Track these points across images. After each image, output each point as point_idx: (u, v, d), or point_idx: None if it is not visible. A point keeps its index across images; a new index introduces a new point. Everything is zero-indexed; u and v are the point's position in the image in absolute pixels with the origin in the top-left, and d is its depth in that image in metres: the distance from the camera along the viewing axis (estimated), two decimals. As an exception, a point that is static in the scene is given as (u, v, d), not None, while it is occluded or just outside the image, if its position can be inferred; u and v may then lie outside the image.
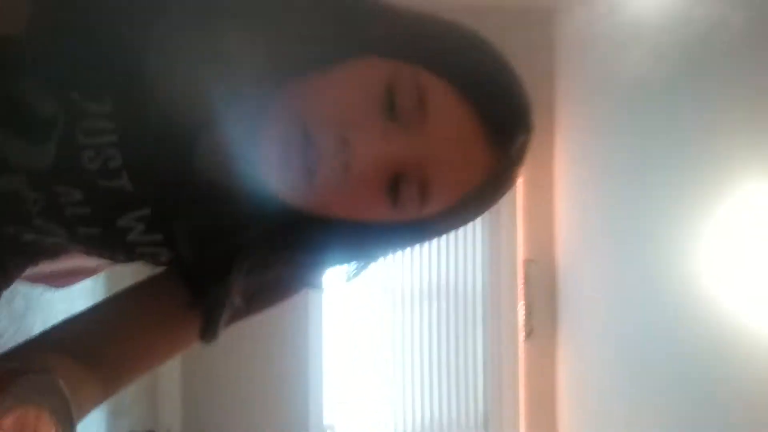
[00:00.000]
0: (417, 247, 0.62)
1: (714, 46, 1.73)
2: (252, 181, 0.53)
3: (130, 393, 2.36)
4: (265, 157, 0.51)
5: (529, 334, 2.85)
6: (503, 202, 0.58)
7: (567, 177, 2.76)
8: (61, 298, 1.54)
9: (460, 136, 0.51)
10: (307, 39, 0.51)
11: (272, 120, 0.51)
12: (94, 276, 0.97)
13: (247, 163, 0.53)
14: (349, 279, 0.61)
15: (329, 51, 0.51)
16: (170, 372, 2.82)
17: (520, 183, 2.57)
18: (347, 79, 0.50)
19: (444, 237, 0.62)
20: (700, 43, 1.79)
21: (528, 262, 2.84)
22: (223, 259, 0.57)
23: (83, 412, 0.53)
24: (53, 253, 0.67)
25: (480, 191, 0.54)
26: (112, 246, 0.59)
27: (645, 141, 2.11)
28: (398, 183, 0.51)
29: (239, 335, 0.77)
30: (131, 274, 0.64)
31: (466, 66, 0.52)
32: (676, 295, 1.90)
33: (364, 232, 0.57)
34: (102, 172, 0.52)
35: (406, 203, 0.52)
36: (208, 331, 0.59)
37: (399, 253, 0.63)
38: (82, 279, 0.88)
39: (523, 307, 2.86)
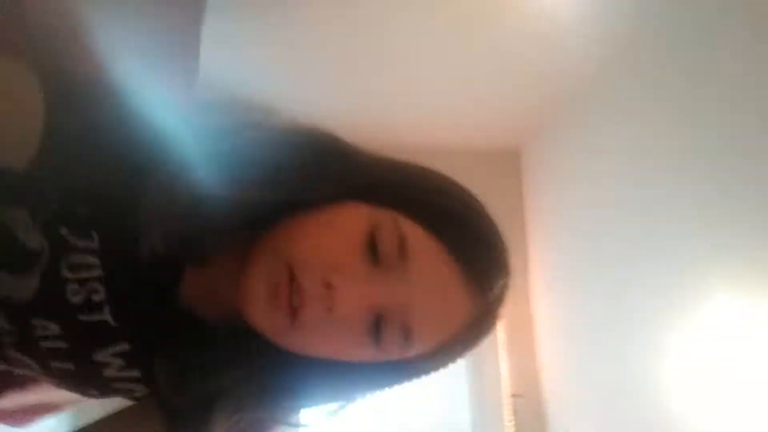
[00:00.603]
0: (400, 386, 0.61)
1: (680, 160, 1.83)
2: (234, 318, 0.53)
3: None
4: (250, 296, 0.51)
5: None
6: (486, 340, 0.58)
7: (545, 307, 2.77)
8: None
9: (439, 282, 0.52)
10: (293, 183, 0.53)
11: (259, 258, 0.52)
12: (59, 413, 0.92)
13: (230, 301, 0.53)
14: (330, 417, 0.60)
15: (314, 196, 0.53)
16: None
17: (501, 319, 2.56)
18: (331, 224, 0.52)
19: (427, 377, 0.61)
20: (665, 166, 1.89)
21: (515, 397, 2.76)
22: (204, 400, 0.56)
23: None
24: (21, 384, 0.65)
25: (462, 334, 0.55)
26: (86, 381, 0.57)
27: (622, 261, 2.16)
28: (380, 325, 0.52)
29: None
30: (99, 409, 0.62)
31: (444, 213, 0.54)
32: (667, 419, 1.86)
33: (347, 372, 0.57)
34: (84, 306, 0.52)
35: (389, 345, 0.52)
36: None
37: (381, 393, 0.61)
38: (45, 416, 0.83)
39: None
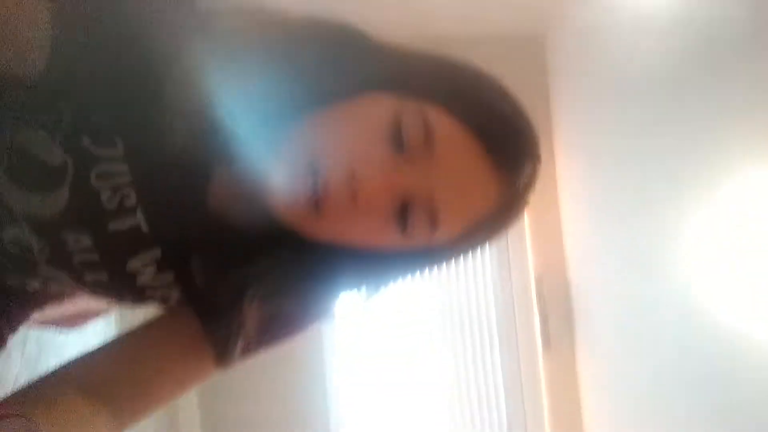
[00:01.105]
0: (428, 271, 0.63)
1: (715, 48, 1.75)
2: (263, 212, 0.54)
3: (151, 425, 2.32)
4: (276, 190, 0.52)
5: (547, 347, 2.81)
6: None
7: (572, 190, 2.76)
8: (73, 341, 1.54)
9: (467, 167, 0.52)
10: (316, 77, 0.53)
11: (283, 154, 0.52)
12: (105, 316, 0.97)
13: (258, 196, 0.54)
14: (360, 305, 0.62)
15: (337, 88, 0.53)
16: (189, 404, 2.81)
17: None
18: (355, 115, 0.52)
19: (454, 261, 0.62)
20: (703, 43, 1.81)
21: (540, 278, 2.83)
22: (236, 291, 0.58)
23: None
24: (58, 298, 0.68)
25: (489, 219, 0.55)
26: (120, 290, 0.59)
27: (645, 147, 2.11)
28: (407, 210, 0.52)
29: (256, 366, 0.77)
30: (143, 311, 0.65)
31: (470, 100, 0.53)
32: (686, 296, 1.89)
33: (374, 259, 0.58)
34: (118, 211, 0.53)
35: (415, 230, 0.53)
36: (223, 359, 0.60)
37: (410, 278, 0.63)
38: (92, 320, 0.89)
39: (540, 322, 2.83)
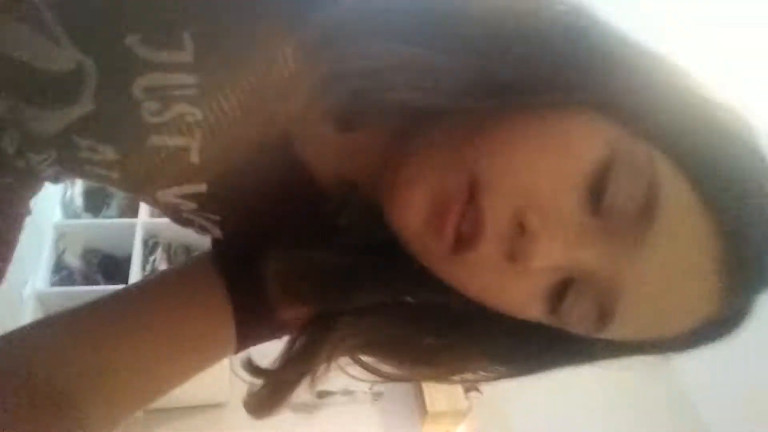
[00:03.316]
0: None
1: None
2: (374, 206, 0.40)
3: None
4: (408, 201, 0.37)
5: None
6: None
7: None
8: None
9: (687, 266, 0.35)
10: (511, 67, 0.36)
11: (431, 156, 0.38)
12: None
13: (364, 185, 0.41)
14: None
15: (536, 89, 0.35)
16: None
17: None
18: (551, 138, 0.36)
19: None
20: None
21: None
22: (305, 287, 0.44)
23: None
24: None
25: (680, 338, 0.39)
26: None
27: None
28: (567, 288, 0.36)
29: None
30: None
31: (727, 173, 0.35)
32: None
33: (502, 326, 0.42)
34: (162, 125, 0.38)
35: (572, 317, 0.37)
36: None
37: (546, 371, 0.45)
38: None
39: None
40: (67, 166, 0.42)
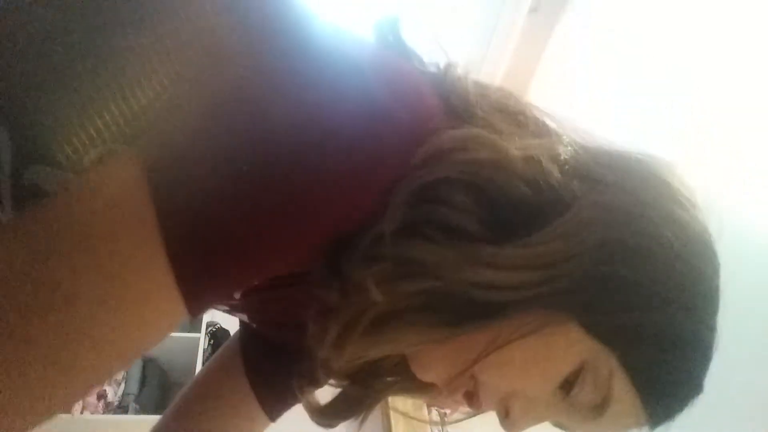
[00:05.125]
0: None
1: None
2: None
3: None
4: (431, 378, 0.49)
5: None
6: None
7: None
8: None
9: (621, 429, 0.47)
10: (508, 286, 0.42)
11: (446, 357, 0.47)
12: None
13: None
14: None
15: (525, 298, 0.42)
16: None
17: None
18: (539, 353, 0.43)
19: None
20: None
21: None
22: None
23: None
24: None
25: None
26: None
27: None
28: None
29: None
30: None
31: (665, 389, 0.44)
32: None
33: None
34: None
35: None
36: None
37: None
38: None
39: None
40: None
